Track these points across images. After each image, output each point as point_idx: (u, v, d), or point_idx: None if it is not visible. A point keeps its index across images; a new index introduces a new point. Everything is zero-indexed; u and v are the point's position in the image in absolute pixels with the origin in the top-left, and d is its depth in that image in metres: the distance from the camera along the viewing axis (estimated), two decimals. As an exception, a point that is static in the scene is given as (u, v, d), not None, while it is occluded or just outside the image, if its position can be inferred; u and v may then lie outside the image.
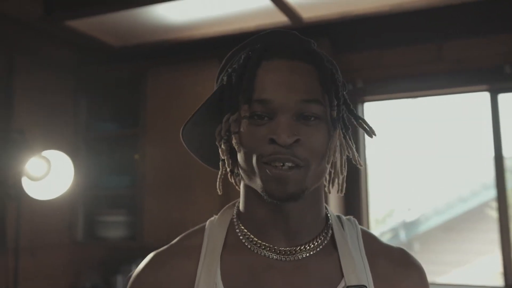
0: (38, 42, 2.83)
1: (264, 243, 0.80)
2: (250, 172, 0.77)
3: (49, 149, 2.37)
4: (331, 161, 0.78)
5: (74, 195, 2.86)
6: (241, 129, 0.77)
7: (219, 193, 0.86)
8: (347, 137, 0.83)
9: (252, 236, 0.81)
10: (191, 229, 0.88)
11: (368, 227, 2.72)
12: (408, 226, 6.47)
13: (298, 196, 0.75)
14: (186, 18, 2.54)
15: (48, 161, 2.31)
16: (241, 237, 0.82)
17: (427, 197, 6.35)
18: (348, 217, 0.90)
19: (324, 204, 0.85)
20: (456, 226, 6.18)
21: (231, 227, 0.84)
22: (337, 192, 0.85)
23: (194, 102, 2.64)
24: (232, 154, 0.81)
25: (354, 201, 2.69)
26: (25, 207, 2.49)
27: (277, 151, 0.73)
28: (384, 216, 6.08)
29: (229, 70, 0.82)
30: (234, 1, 2.34)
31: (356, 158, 0.83)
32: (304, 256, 0.80)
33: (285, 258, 0.79)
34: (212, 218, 0.88)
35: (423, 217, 6.83)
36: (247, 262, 0.79)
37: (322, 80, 0.78)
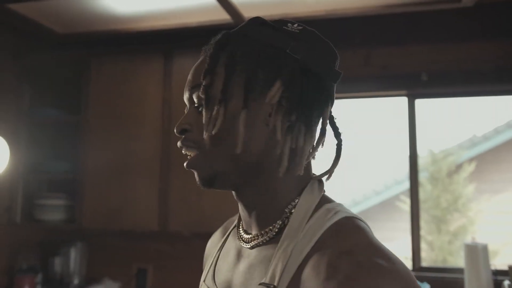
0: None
1: (239, 231, 0.88)
2: None
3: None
4: (234, 144, 0.75)
5: (13, 178, 2.89)
6: None
7: None
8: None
9: (238, 225, 0.90)
10: None
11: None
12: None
13: (211, 181, 0.79)
14: (132, 10, 2.61)
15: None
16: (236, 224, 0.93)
17: (346, 189, 6.71)
18: (331, 208, 0.76)
19: (292, 193, 0.79)
20: (371, 215, 6.63)
21: None
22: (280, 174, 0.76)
23: (136, 94, 2.75)
24: None
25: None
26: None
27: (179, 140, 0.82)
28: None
29: None
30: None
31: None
32: (253, 245, 0.81)
33: (246, 246, 0.83)
34: None
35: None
36: (230, 245, 0.91)
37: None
